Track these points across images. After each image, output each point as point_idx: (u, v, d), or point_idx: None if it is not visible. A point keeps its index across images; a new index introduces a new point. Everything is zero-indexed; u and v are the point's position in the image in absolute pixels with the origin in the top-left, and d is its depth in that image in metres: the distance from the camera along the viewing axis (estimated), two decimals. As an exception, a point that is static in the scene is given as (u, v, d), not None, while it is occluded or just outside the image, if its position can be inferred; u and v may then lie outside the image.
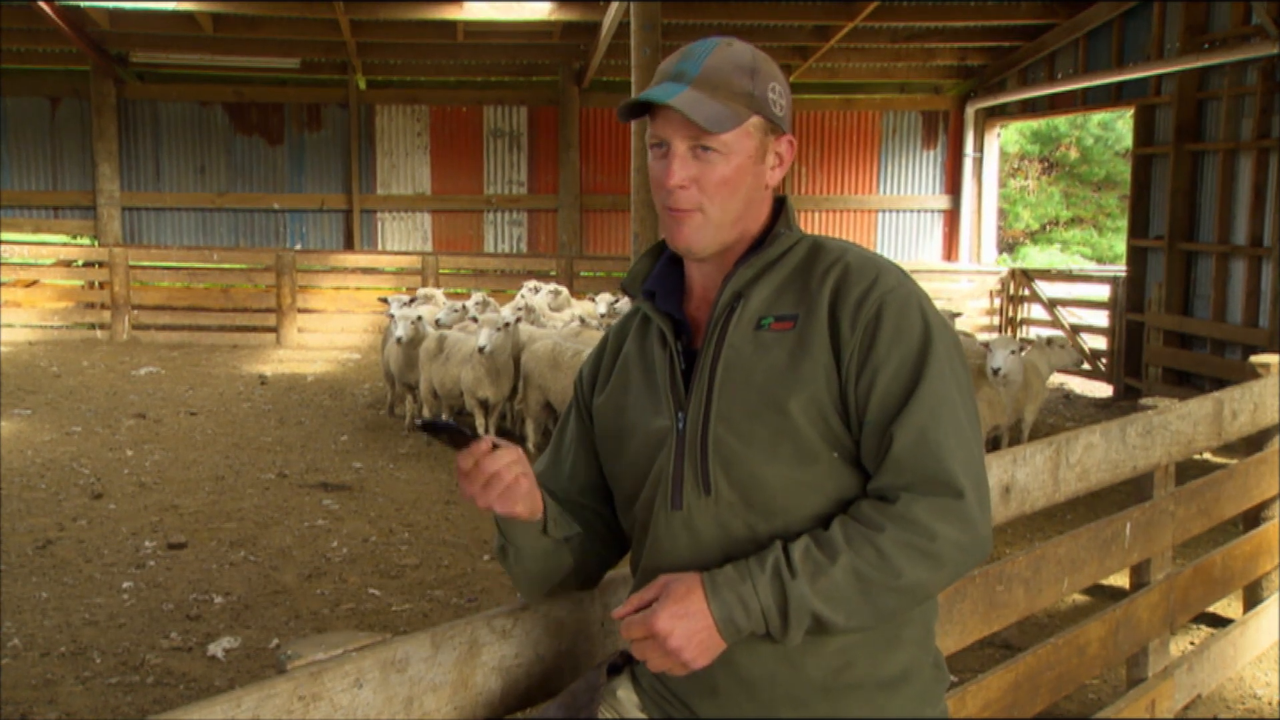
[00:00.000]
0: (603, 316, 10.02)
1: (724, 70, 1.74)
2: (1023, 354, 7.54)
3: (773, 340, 1.72)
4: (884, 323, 1.67)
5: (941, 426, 1.64)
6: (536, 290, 11.52)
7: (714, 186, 1.74)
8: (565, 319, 10.32)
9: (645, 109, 1.77)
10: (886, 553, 1.59)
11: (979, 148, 16.53)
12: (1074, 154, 25.41)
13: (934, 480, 1.62)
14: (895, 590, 1.61)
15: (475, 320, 9.55)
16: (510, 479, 1.68)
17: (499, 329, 8.21)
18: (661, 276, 1.89)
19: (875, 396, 1.66)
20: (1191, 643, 4.88)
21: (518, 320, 8.68)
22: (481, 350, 8.07)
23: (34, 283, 14.80)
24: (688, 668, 1.62)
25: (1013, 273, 15.40)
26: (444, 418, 9.20)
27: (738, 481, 1.70)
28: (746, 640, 1.69)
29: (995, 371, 7.32)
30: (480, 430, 8.60)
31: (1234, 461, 4.40)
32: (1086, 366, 12.74)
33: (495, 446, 1.68)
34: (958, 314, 11.29)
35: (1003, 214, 20.80)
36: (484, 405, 8.54)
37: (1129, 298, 12.18)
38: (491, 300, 10.75)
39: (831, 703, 1.71)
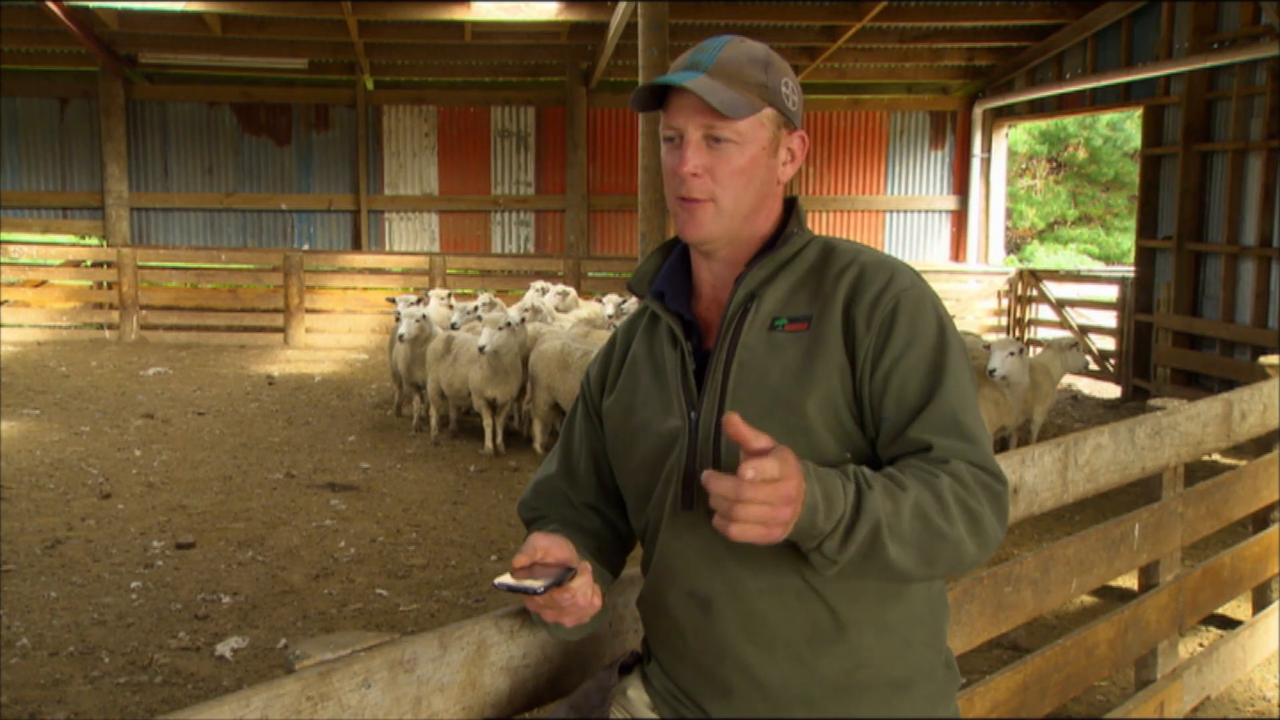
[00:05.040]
0: (609, 318, 10.00)
1: (738, 61, 1.75)
2: (1022, 355, 7.53)
3: (787, 341, 1.72)
4: (899, 322, 1.68)
5: (970, 417, 1.66)
6: (544, 291, 11.51)
7: (728, 176, 1.74)
8: (572, 321, 10.30)
9: (658, 101, 1.77)
10: (945, 499, 1.57)
11: (987, 148, 16.51)
12: (1082, 154, 25.36)
13: (978, 463, 1.63)
14: (944, 539, 1.57)
15: (482, 320, 9.56)
16: (584, 604, 1.71)
17: (501, 328, 8.21)
18: (669, 276, 1.89)
19: (891, 393, 1.66)
20: (1200, 644, 4.87)
21: (523, 320, 8.69)
22: (482, 350, 8.08)
23: (42, 283, 14.85)
24: (768, 529, 1.47)
25: (1021, 273, 15.38)
26: (451, 418, 9.14)
27: None
28: (760, 642, 1.69)
29: (992, 373, 7.33)
30: (487, 435, 8.59)
31: (1243, 463, 4.38)
32: (1094, 367, 12.72)
33: (569, 573, 1.68)
34: (951, 315, 11.28)
35: (1009, 213, 20.76)
36: (491, 405, 8.55)
37: (1137, 298, 12.15)
38: (498, 301, 10.75)
39: (844, 703, 1.71)
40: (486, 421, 8.61)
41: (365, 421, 9.87)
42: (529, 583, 1.66)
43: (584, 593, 1.71)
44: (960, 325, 12.78)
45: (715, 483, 1.45)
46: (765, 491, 1.44)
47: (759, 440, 1.47)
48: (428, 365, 8.88)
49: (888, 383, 1.67)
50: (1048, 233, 25.84)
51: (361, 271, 15.18)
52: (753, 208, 1.78)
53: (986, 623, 2.82)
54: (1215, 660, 4.09)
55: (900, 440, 1.66)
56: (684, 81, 1.70)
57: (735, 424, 1.47)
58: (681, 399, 1.78)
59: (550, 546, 1.72)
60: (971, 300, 15.30)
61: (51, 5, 12.64)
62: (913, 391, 1.66)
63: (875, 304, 1.69)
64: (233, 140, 16.01)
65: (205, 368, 12.70)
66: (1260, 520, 4.68)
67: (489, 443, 8.60)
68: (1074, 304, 14.11)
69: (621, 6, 11.67)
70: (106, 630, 5.04)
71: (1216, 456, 7.94)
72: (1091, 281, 15.43)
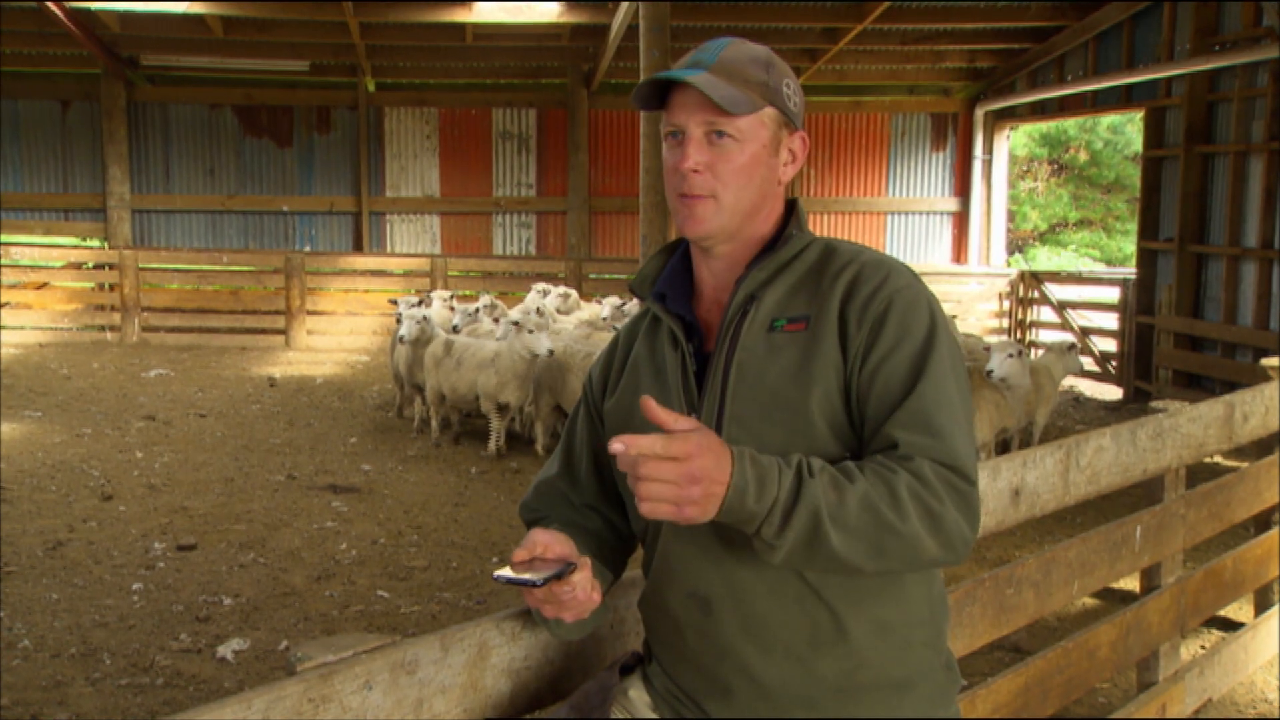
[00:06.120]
0: (605, 320, 10.00)
1: (740, 61, 1.76)
2: (1022, 357, 7.53)
3: (785, 342, 1.72)
4: (890, 318, 1.67)
5: (945, 416, 1.63)
6: (545, 293, 11.51)
7: (729, 174, 1.74)
8: (574, 323, 10.30)
9: (660, 100, 1.78)
10: (899, 494, 1.56)
11: (988, 150, 16.51)
12: (1083, 157, 25.37)
13: (944, 461, 1.61)
14: (896, 534, 1.55)
15: (492, 322, 9.53)
16: (584, 598, 1.72)
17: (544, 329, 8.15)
18: (671, 278, 1.89)
19: (878, 387, 1.66)
20: (1202, 646, 4.87)
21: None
22: (550, 354, 7.97)
23: (44, 285, 14.86)
24: (679, 507, 1.50)
25: (1022, 275, 15.37)
26: (453, 421, 9.04)
27: None
28: (760, 642, 1.69)
29: (989, 374, 7.33)
30: (492, 437, 8.53)
31: (1244, 465, 4.38)
32: (1095, 369, 12.71)
33: (569, 568, 1.69)
34: (952, 316, 11.28)
35: (1010, 215, 20.76)
36: (502, 409, 8.50)
37: (1139, 300, 12.14)
38: (499, 303, 10.74)
39: (844, 704, 1.71)
40: (495, 425, 8.54)
41: (367, 423, 9.88)
42: (528, 575, 1.66)
43: (583, 587, 1.71)
44: (961, 327, 12.78)
45: (620, 460, 1.49)
46: (664, 469, 1.47)
47: (679, 422, 1.50)
48: (426, 370, 8.82)
49: (873, 381, 1.66)
50: (1049, 235, 25.84)
51: (363, 273, 15.18)
52: (753, 206, 1.78)
53: (988, 625, 2.82)
54: (1217, 662, 4.09)
55: (875, 437, 1.66)
56: (687, 76, 1.71)
57: (650, 407, 1.50)
58: (682, 400, 1.78)
59: (550, 542, 1.72)
60: (973, 302, 15.29)
61: (53, 7, 12.65)
62: (894, 389, 1.65)
63: (869, 302, 1.69)
64: (234, 142, 16.02)
65: (207, 369, 12.70)
66: (1262, 522, 4.68)
67: (493, 445, 8.58)
68: (1075, 306, 14.08)
69: (623, 8, 11.69)
70: (108, 632, 5.04)
71: (1218, 458, 7.94)
72: (1093, 283, 15.41)
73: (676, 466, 1.47)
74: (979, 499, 1.63)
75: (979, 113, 16.37)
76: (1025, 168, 25.98)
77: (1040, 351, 10.87)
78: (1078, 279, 15.57)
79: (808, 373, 1.69)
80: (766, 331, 1.74)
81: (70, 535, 6.43)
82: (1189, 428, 3.63)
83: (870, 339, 1.67)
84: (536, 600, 1.72)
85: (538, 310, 9.85)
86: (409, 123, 16.34)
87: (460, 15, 13.14)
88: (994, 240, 16.75)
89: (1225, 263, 10.88)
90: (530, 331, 8.05)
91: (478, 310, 10.30)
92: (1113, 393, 12.37)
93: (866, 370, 1.67)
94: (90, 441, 8.84)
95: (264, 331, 14.75)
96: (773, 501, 1.53)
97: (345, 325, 14.83)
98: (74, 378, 11.86)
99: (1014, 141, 19.78)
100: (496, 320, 9.69)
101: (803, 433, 1.68)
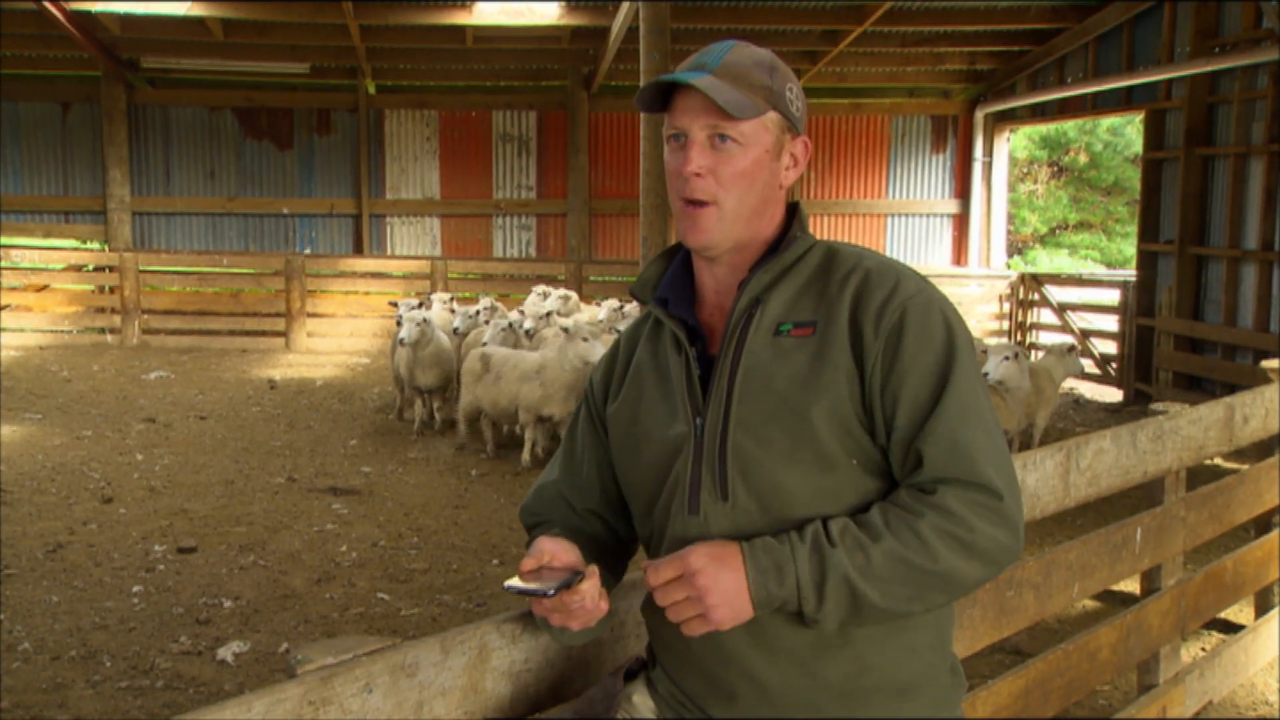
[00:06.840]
0: (602, 322, 9.99)
1: (744, 64, 1.76)
2: (1019, 360, 7.51)
3: (792, 347, 1.71)
4: (907, 330, 1.67)
5: (971, 428, 1.64)
6: (546, 295, 11.50)
7: (731, 178, 1.74)
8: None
9: (663, 103, 1.78)
10: (925, 537, 1.59)
11: (988, 152, 16.52)
12: (1083, 159, 25.38)
13: (969, 482, 1.62)
14: (931, 574, 1.59)
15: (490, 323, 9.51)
16: (592, 607, 1.73)
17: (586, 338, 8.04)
18: (672, 282, 1.88)
19: (903, 404, 1.65)
20: (1203, 649, 4.87)
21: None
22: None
23: (45, 287, 14.86)
24: (708, 619, 1.61)
25: (1022, 277, 15.36)
26: (489, 436, 8.77)
27: (755, 488, 1.69)
28: (765, 647, 1.69)
29: (985, 377, 7.31)
30: (526, 447, 8.37)
31: (1245, 467, 4.38)
32: (1095, 371, 12.71)
33: (577, 576, 1.70)
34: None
35: (1010, 218, 20.78)
36: (543, 421, 8.32)
37: (1139, 302, 12.14)
38: (499, 305, 10.74)
39: (848, 708, 1.71)
40: (530, 434, 8.33)
41: (367, 426, 9.87)
42: (537, 586, 1.66)
43: (592, 596, 1.72)
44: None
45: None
46: (674, 592, 1.62)
47: (657, 576, 1.64)
48: (463, 385, 8.61)
49: (898, 396, 1.66)
50: (1049, 237, 25.84)
51: (363, 275, 15.16)
52: (755, 211, 1.78)
53: (989, 627, 2.81)
54: (1217, 664, 4.09)
55: (905, 455, 1.66)
56: (691, 79, 1.71)
57: (648, 575, 1.66)
58: (687, 405, 1.77)
59: (557, 550, 1.72)
60: (973, 304, 15.27)
61: (53, 9, 12.66)
62: (921, 403, 1.65)
63: (882, 312, 1.68)
64: (235, 144, 16.03)
65: (207, 372, 12.71)
66: (1262, 524, 4.67)
67: (526, 454, 8.33)
68: (1075, 308, 14.06)
69: (623, 10, 11.70)
70: (108, 634, 5.04)
71: (1218, 460, 7.94)
72: (1093, 285, 15.39)
73: (683, 585, 1.61)
74: (1013, 504, 1.64)
75: (979, 115, 16.38)
76: (1025, 170, 25.99)
77: (1040, 354, 10.87)
78: (1078, 281, 15.56)
79: (817, 378, 1.68)
80: (773, 335, 1.73)
81: (70, 538, 6.43)
82: (1189, 430, 3.63)
83: (888, 351, 1.66)
84: (545, 610, 1.72)
85: (546, 314, 9.82)
86: (409, 125, 16.35)
87: (460, 18, 13.15)
88: (994, 242, 16.75)
89: (1225, 265, 10.88)
90: (585, 340, 7.92)
91: (478, 312, 10.30)
92: (1113, 395, 12.37)
93: (890, 387, 1.66)
94: (90, 444, 8.84)
95: (264, 334, 14.75)
96: (795, 580, 1.59)
97: (345, 327, 14.83)
98: (74, 380, 11.86)
99: (1014, 144, 19.79)
100: (487, 323, 9.70)
101: (806, 438, 1.67)
